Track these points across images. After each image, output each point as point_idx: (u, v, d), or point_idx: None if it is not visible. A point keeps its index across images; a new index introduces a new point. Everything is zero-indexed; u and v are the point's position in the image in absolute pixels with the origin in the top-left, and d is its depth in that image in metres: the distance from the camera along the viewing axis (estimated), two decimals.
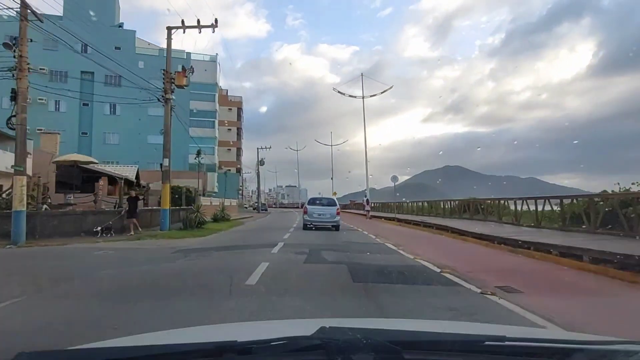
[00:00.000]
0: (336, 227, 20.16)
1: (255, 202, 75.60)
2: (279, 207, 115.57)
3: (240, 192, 67.09)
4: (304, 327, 1.53)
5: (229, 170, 63.14)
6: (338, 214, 20.64)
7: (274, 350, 1.23)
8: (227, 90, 67.65)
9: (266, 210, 69.45)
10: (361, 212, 51.18)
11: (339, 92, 41.91)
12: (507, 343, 1.36)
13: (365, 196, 39.78)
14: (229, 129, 64.06)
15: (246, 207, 77.77)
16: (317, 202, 21.73)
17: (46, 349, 1.35)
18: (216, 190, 48.95)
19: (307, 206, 21.33)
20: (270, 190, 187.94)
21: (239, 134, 66.22)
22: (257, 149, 63.95)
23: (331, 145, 72.79)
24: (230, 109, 65.16)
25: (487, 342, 1.34)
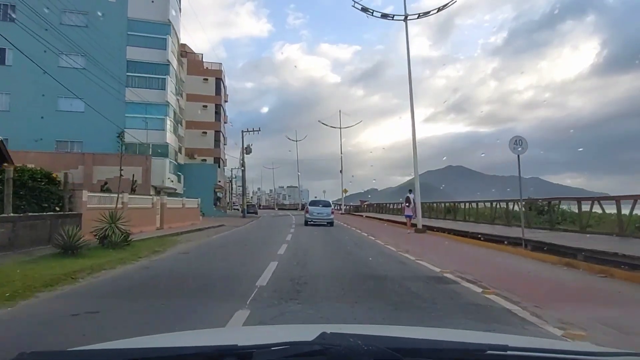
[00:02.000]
0: (330, 224, 26.55)
1: (248, 203, 60.10)
2: (277, 209, 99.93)
3: (219, 190, 50.55)
4: (305, 333, 1.53)
5: (204, 160, 47.03)
6: (332, 213, 27.99)
7: (274, 354, 1.22)
8: (202, 55, 51.10)
9: (255, 213, 53.63)
10: (390, 218, 34.66)
11: (364, 9, 25.48)
12: (509, 353, 1.33)
13: (411, 192, 23.49)
14: (205, 106, 47.38)
15: (237, 209, 62.87)
16: (317, 204, 29.16)
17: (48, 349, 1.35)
18: (170, 184, 32.43)
19: (309, 207, 28.69)
20: (271, 190, 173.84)
21: (218, 113, 49.51)
22: (242, 131, 47.61)
23: (340, 128, 57.50)
24: (206, 79, 48.38)
25: (489, 352, 1.31)
